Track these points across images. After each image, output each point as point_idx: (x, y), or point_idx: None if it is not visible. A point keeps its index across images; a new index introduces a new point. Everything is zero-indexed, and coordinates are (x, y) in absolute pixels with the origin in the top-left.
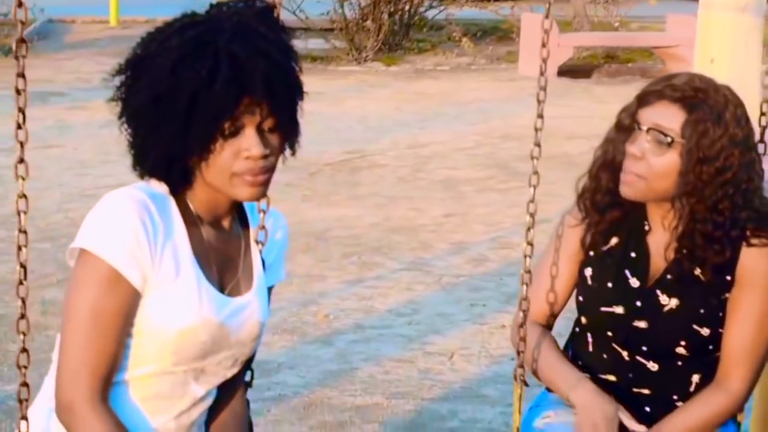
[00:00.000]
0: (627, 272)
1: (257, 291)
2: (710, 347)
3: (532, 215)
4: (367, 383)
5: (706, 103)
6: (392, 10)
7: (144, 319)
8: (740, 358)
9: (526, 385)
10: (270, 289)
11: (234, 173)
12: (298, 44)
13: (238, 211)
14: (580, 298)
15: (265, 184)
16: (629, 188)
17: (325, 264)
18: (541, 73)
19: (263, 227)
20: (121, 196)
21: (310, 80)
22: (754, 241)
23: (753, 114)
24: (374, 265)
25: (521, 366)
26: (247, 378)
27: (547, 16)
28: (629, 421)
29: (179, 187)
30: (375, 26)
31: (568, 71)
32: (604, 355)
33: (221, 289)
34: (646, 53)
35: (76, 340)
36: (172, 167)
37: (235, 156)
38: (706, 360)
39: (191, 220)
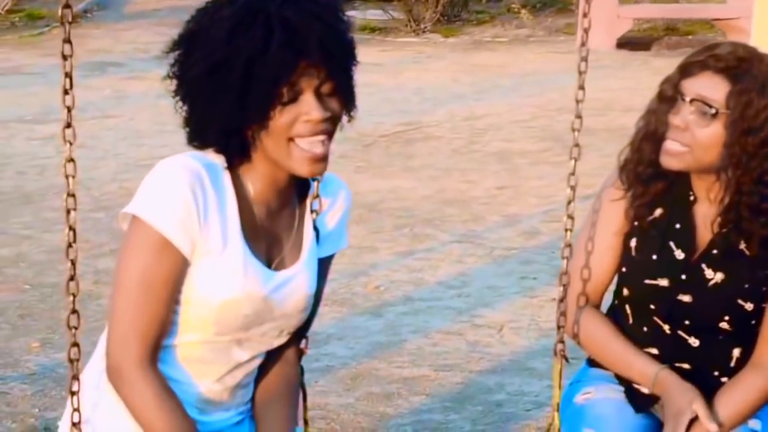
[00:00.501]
0: (672, 244)
1: (306, 263)
2: (753, 321)
3: (572, 188)
4: (415, 355)
5: (750, 73)
6: None
7: (190, 288)
8: None
9: (567, 360)
10: (331, 258)
11: (291, 137)
12: (356, 15)
13: (299, 183)
14: (624, 269)
15: (325, 159)
16: (672, 159)
17: (377, 236)
18: (582, 44)
19: (317, 196)
20: (176, 164)
21: (367, 51)
22: None
23: None
24: (425, 237)
25: (561, 341)
26: (302, 345)
27: None
28: (705, 415)
29: (237, 160)
30: None
31: (628, 43)
32: (645, 328)
33: (268, 264)
34: (707, 25)
35: (126, 305)
36: (231, 140)
37: (294, 121)
38: (748, 334)
39: (244, 195)
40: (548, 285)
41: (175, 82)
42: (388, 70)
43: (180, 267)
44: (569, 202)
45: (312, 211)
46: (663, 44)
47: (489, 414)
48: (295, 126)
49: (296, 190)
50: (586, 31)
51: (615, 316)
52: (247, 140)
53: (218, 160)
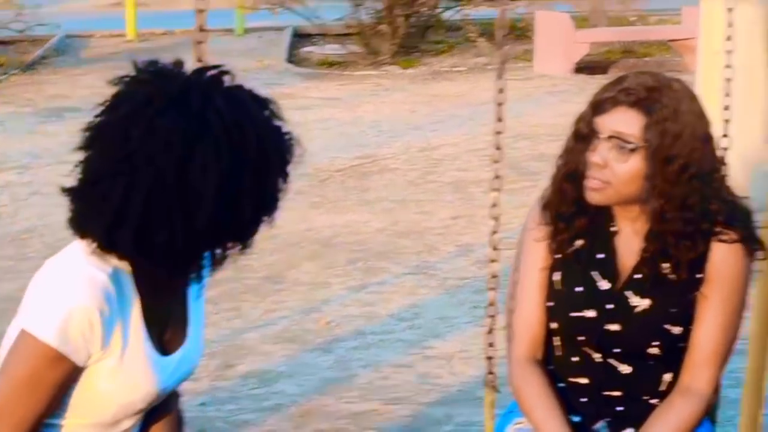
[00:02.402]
0: (595, 275)
1: (193, 334)
2: (680, 345)
3: (495, 219)
4: (365, 389)
5: (660, 102)
6: (408, 12)
7: (85, 384)
8: (708, 359)
9: (498, 391)
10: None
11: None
12: (315, 50)
13: None
14: (550, 304)
15: None
16: (596, 194)
17: (330, 271)
18: (499, 77)
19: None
20: (81, 279)
21: (325, 86)
22: (723, 237)
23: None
24: (379, 271)
25: (491, 372)
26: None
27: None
28: None
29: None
30: (391, 29)
31: (586, 67)
32: (575, 359)
33: (162, 347)
34: (664, 47)
35: (7, 394)
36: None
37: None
38: (677, 358)
39: (147, 292)
40: (501, 313)
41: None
42: (345, 104)
43: (70, 373)
44: (493, 233)
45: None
46: (620, 67)
47: None
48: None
49: None
50: (502, 63)
51: (546, 347)
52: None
53: (115, 261)
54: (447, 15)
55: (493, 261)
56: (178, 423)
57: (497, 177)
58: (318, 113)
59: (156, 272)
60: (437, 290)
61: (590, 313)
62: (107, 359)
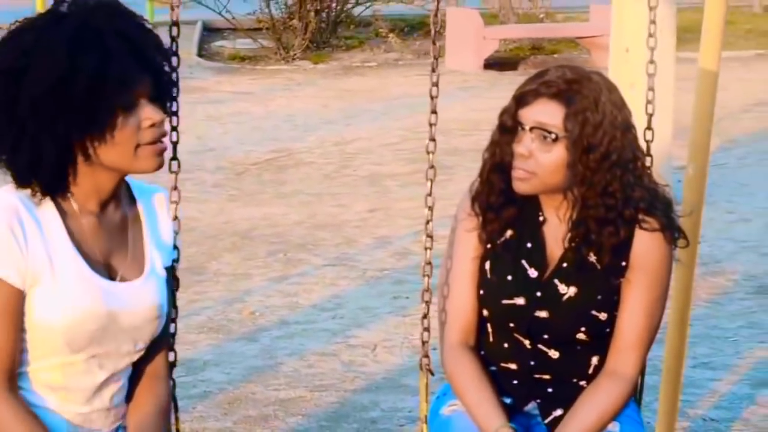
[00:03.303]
0: (524, 263)
1: (150, 275)
2: (607, 330)
3: (430, 208)
4: (291, 377)
5: (581, 93)
6: (318, 7)
7: (30, 315)
8: (632, 344)
9: (432, 374)
10: (173, 269)
11: (139, 144)
12: (226, 44)
13: (124, 193)
14: (481, 292)
15: (164, 151)
16: (522, 184)
17: (251, 262)
18: (433, 70)
19: (176, 218)
20: None
21: (237, 80)
22: (645, 225)
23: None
24: (299, 262)
25: (426, 356)
26: (171, 358)
27: None
28: None
29: (62, 188)
30: (302, 25)
31: (495, 64)
32: (506, 345)
33: (110, 277)
34: (572, 44)
35: None
36: (63, 161)
37: (136, 129)
38: (604, 343)
39: (70, 213)
40: (420, 304)
41: (3, 105)
42: (258, 98)
43: (13, 298)
44: (428, 222)
45: (175, 232)
46: (529, 64)
47: (364, 431)
48: (141, 133)
49: (124, 202)
50: (435, 58)
51: (477, 334)
52: (74, 160)
53: (37, 197)
54: (357, 11)
55: (427, 249)
56: (167, 407)
57: (432, 167)
58: (231, 107)
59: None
60: (357, 281)
61: (520, 301)
62: (40, 283)
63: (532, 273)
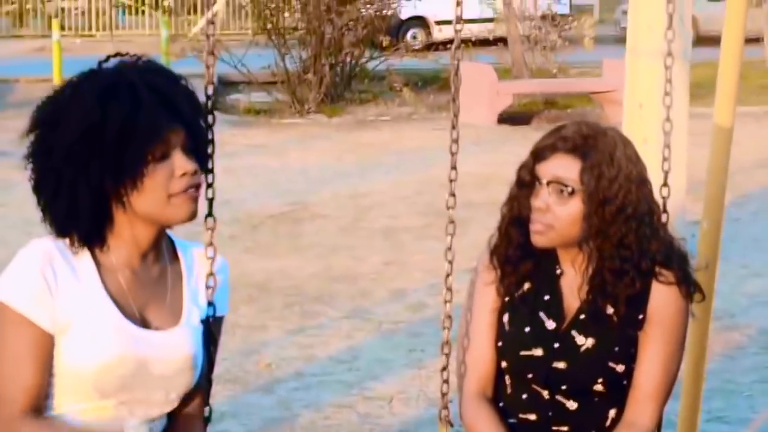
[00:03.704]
0: (542, 315)
1: (186, 324)
2: (624, 382)
3: (450, 262)
4: (307, 429)
5: (596, 148)
6: (333, 62)
7: (60, 360)
8: (650, 396)
9: (452, 425)
10: (219, 322)
11: (171, 194)
12: (241, 97)
13: (167, 248)
14: (500, 343)
15: (197, 201)
16: (540, 237)
17: (267, 314)
18: (453, 127)
19: (212, 273)
20: (29, 248)
21: (252, 133)
22: (661, 278)
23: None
24: (315, 314)
25: (445, 407)
26: (206, 413)
27: None
28: None
29: (99, 239)
30: (316, 78)
31: (509, 118)
32: (524, 396)
33: (144, 326)
34: (585, 98)
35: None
36: (99, 210)
37: (169, 177)
38: (621, 395)
39: (107, 266)
40: (436, 356)
41: (36, 161)
42: (273, 151)
43: (41, 339)
44: (447, 276)
45: (207, 287)
46: (543, 118)
47: None
48: (172, 183)
49: (165, 252)
50: (456, 115)
51: (495, 385)
52: (110, 210)
53: (74, 248)
54: (372, 65)
55: (446, 302)
56: None
57: (451, 222)
58: (246, 160)
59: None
60: (373, 333)
61: (538, 352)
62: (71, 328)
63: (550, 324)
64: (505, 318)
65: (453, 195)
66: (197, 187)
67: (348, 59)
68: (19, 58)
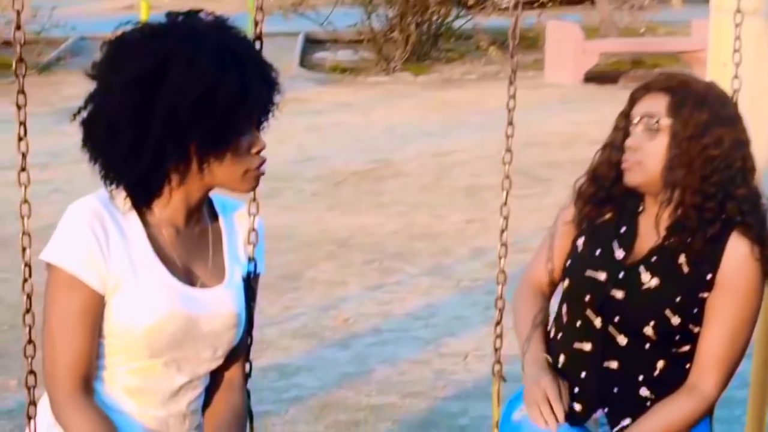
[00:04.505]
0: (615, 244)
1: (229, 283)
2: (677, 338)
3: (506, 218)
4: (383, 384)
5: (688, 89)
6: (419, 20)
7: (111, 320)
8: (715, 363)
9: (504, 380)
10: (257, 280)
11: (248, 169)
12: (327, 55)
13: (206, 208)
14: (568, 263)
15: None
16: (631, 174)
17: (347, 270)
18: (511, 82)
19: (254, 229)
20: (76, 208)
21: (338, 91)
22: (740, 230)
23: (765, 115)
24: (394, 271)
25: (498, 362)
26: (247, 370)
27: None
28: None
29: (155, 197)
30: (402, 37)
31: (595, 77)
32: (578, 323)
33: (190, 284)
34: (673, 58)
35: (50, 341)
36: (178, 169)
37: (247, 153)
38: (673, 350)
39: (153, 223)
40: (512, 314)
41: (124, 109)
42: (358, 109)
43: (92, 301)
44: (502, 231)
45: (250, 243)
46: (630, 77)
47: None
48: (249, 158)
49: (207, 212)
50: (514, 71)
51: (556, 314)
52: (188, 170)
53: (120, 196)
54: (458, 24)
55: (501, 258)
56: (243, 417)
57: (507, 177)
58: (331, 118)
59: (125, 186)
60: (451, 291)
61: (601, 276)
62: (121, 288)
63: (619, 254)
64: (580, 241)
65: (509, 150)
66: (264, 162)
67: (434, 18)
68: (107, 15)
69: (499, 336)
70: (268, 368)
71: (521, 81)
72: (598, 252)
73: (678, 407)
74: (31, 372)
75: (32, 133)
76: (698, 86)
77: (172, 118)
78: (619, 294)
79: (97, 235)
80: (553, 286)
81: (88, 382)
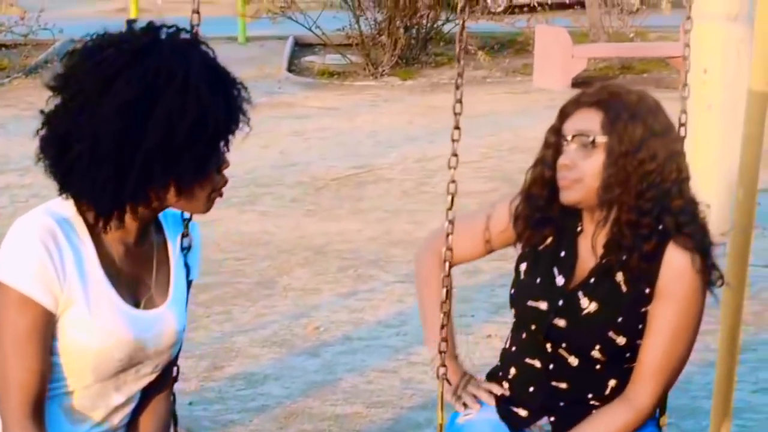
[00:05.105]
0: (555, 270)
1: (173, 301)
2: (627, 355)
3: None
4: (349, 393)
5: (620, 102)
6: (408, 24)
7: (60, 340)
8: (651, 374)
9: (449, 383)
10: (188, 285)
11: (214, 189)
12: (315, 60)
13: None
14: (512, 291)
15: None
16: (568, 193)
17: (321, 278)
18: (457, 87)
19: (187, 234)
20: (28, 222)
21: (325, 96)
22: (678, 242)
23: (740, 123)
24: (369, 278)
25: (443, 365)
26: (174, 373)
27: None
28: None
29: (113, 213)
30: (390, 41)
31: (583, 83)
32: (529, 342)
33: (136, 304)
34: (662, 63)
35: (2, 361)
36: (152, 195)
37: (218, 173)
38: (624, 367)
39: (104, 241)
40: (485, 322)
41: (105, 126)
42: (343, 114)
43: (44, 319)
44: (448, 235)
45: (183, 249)
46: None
47: None
48: (215, 178)
49: (151, 229)
50: (460, 75)
51: (512, 329)
52: (166, 193)
53: (69, 212)
54: (447, 27)
55: (447, 254)
56: (168, 423)
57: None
58: (316, 122)
59: (96, 209)
60: None
61: (542, 305)
62: (73, 308)
63: (559, 281)
64: (522, 267)
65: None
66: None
67: (423, 21)
68: (97, 19)
69: (444, 339)
70: (236, 377)
71: (509, 86)
72: (538, 280)
73: (613, 417)
74: None
75: (16, 136)
76: (630, 98)
77: (168, 141)
78: (561, 322)
79: (51, 252)
80: (458, 262)
81: (39, 402)
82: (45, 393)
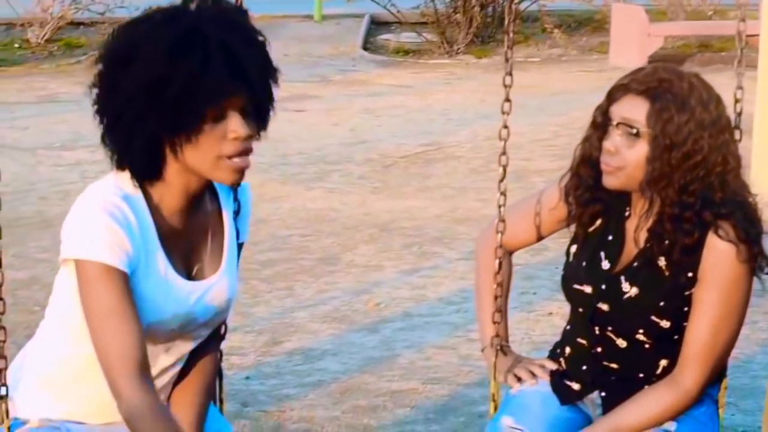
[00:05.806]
0: (602, 254)
1: (226, 270)
2: (675, 337)
3: (503, 193)
4: (406, 369)
5: (670, 91)
6: (484, 2)
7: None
8: (696, 357)
9: (504, 354)
10: (240, 248)
11: (220, 156)
12: (391, 38)
13: (208, 190)
14: (562, 273)
15: (246, 169)
16: (610, 179)
17: (385, 254)
18: (506, 59)
19: (236, 200)
20: (90, 199)
21: (399, 74)
22: (720, 232)
23: None
24: (432, 255)
25: (497, 335)
26: (221, 331)
27: None
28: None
29: (153, 175)
30: (466, 19)
31: (660, 60)
32: (580, 322)
33: (188, 273)
34: None
35: (105, 341)
36: (153, 153)
37: (222, 139)
38: (672, 348)
39: (159, 213)
40: (546, 300)
41: (103, 92)
42: (416, 91)
43: (127, 284)
44: (500, 207)
45: (234, 213)
46: (696, 61)
47: (470, 425)
48: (223, 145)
49: (207, 198)
50: (509, 46)
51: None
52: (164, 154)
53: (130, 187)
54: (524, 6)
55: (499, 232)
56: (214, 381)
57: (503, 154)
58: (388, 100)
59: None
60: None
61: (587, 289)
62: (136, 274)
63: (605, 265)
64: (573, 249)
65: (506, 127)
66: (248, 152)
67: (500, 0)
68: None
69: (499, 310)
70: (294, 352)
71: (585, 64)
72: (585, 264)
73: (658, 398)
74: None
75: (89, 114)
76: (681, 87)
77: (132, 102)
78: (604, 306)
79: (118, 220)
80: (517, 248)
81: (147, 364)
82: (147, 354)
